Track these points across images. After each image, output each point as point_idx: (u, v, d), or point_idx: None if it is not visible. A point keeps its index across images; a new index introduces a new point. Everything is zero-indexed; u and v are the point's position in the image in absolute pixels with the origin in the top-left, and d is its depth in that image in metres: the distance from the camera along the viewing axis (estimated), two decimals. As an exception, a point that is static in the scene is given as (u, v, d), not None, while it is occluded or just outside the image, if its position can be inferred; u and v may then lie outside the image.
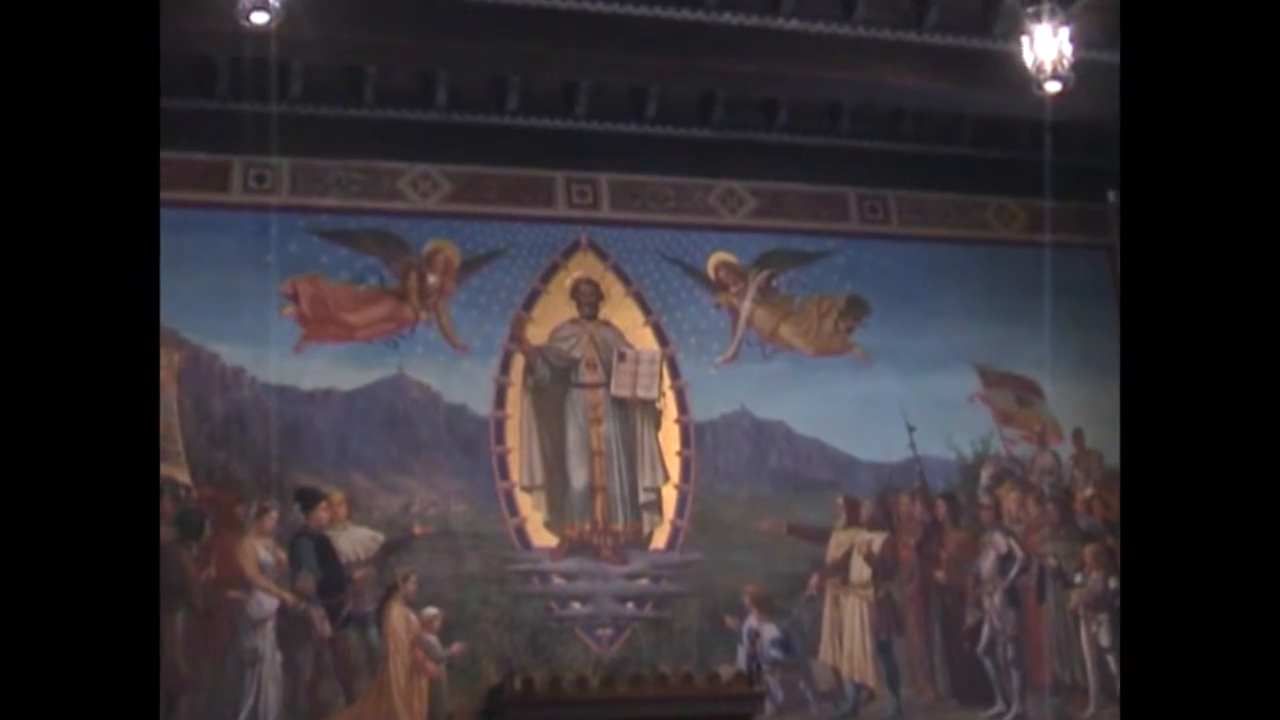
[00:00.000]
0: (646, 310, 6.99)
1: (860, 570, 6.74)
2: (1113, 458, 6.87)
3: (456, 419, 6.56)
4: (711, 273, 7.12)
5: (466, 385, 6.62)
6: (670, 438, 6.83)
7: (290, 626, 6.11)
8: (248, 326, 6.35)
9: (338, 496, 6.31)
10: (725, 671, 6.30)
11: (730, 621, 6.51)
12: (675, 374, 6.91)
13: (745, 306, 7.01)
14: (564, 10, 6.03)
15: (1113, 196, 6.39)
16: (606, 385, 6.75)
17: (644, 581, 6.46)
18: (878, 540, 6.79)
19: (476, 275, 6.85)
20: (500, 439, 6.59)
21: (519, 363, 6.77)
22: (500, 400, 6.66)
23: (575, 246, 6.98)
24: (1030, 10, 5.41)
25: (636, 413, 6.78)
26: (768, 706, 6.32)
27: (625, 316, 6.95)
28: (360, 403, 6.45)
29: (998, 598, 6.68)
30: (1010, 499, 6.90)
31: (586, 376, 6.78)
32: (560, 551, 6.47)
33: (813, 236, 7.20)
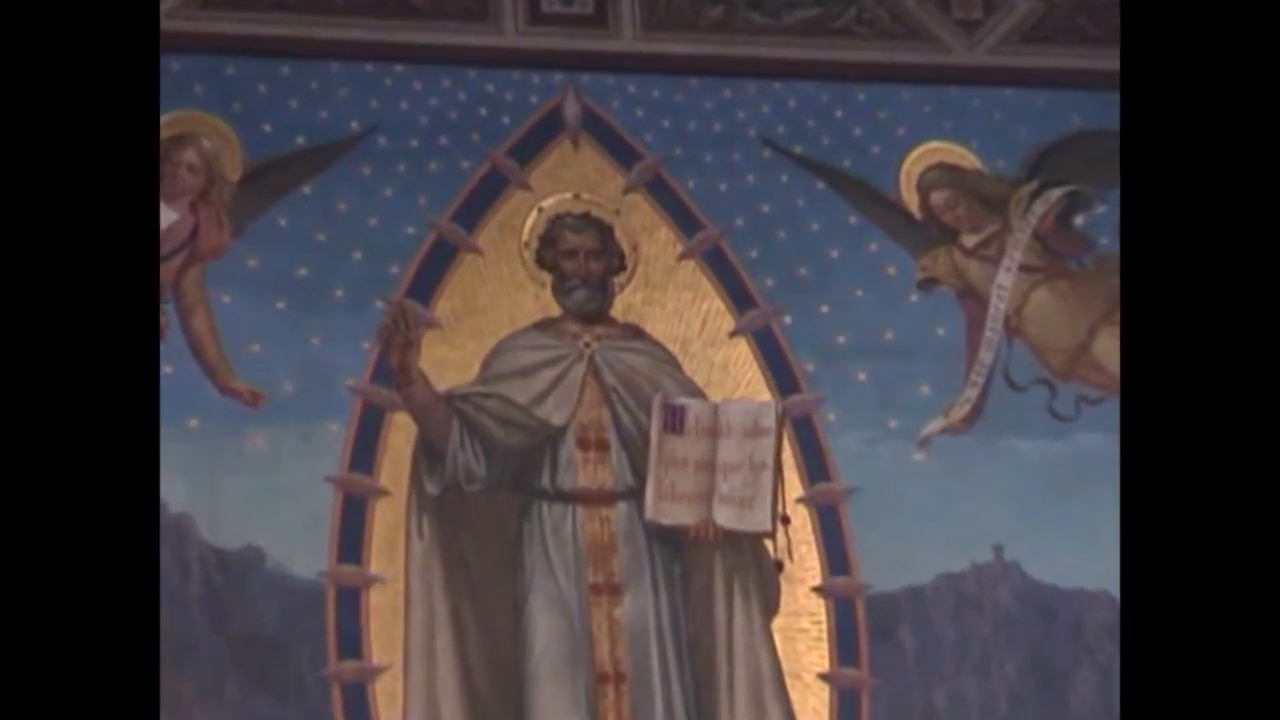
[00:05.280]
0: (739, 296, 5.74)
1: None
2: None
3: (237, 588, 5.25)
4: (910, 193, 5.92)
5: (266, 500, 5.33)
6: (805, 638, 5.45)
7: None
8: None
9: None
10: None
11: None
12: (818, 466, 5.61)
13: (1004, 279, 5.83)
14: None
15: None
16: (634, 495, 5.43)
17: None
18: None
19: (291, 203, 5.59)
20: (353, 644, 5.26)
21: (401, 434, 5.42)
22: (352, 540, 5.34)
23: (552, 128, 5.82)
24: None
25: (715, 567, 5.45)
26: None
27: (681, 312, 5.75)
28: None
29: None
30: None
31: (580, 474, 5.47)
32: None
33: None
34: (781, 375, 5.64)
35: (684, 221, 5.73)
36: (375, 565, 5.30)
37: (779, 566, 5.39)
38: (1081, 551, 5.58)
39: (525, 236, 5.61)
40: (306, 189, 5.55)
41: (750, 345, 5.66)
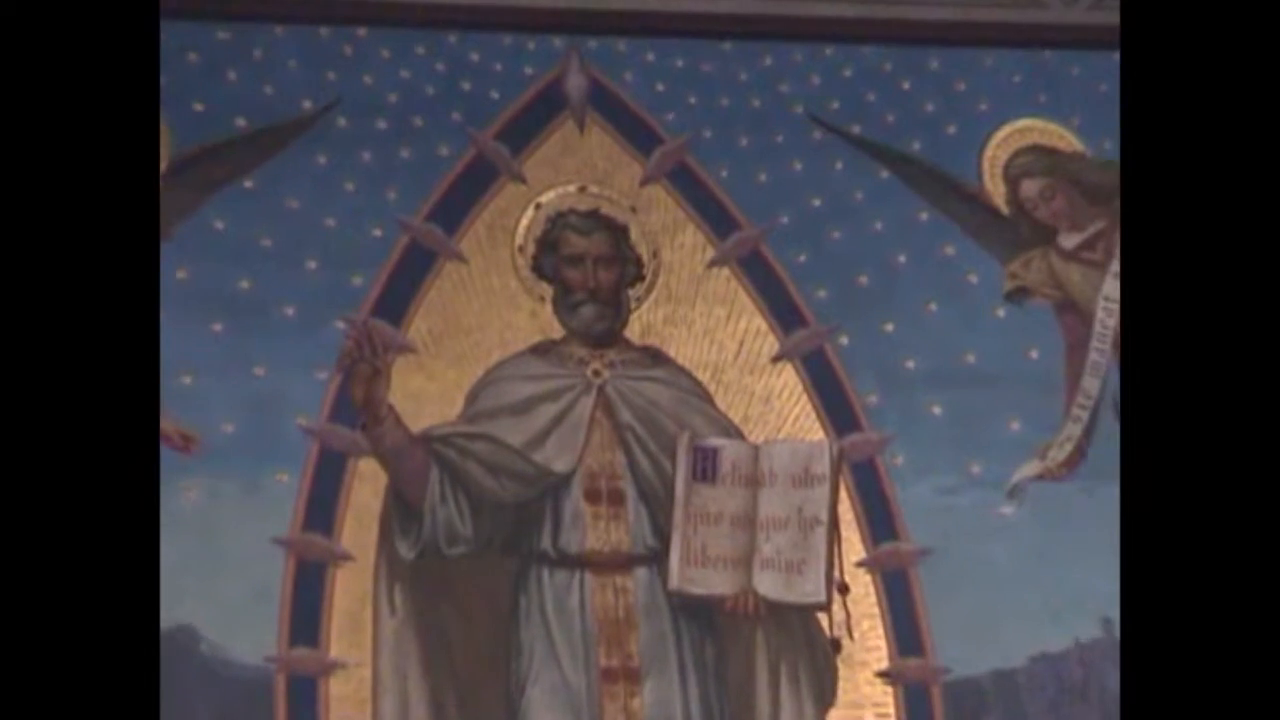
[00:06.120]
0: (784, 311, 5.45)
1: None
2: None
3: (166, 677, 4.48)
4: (995, 183, 5.63)
5: (201, 569, 5.01)
6: (869, 739, 5.60)
7: None
8: None
9: None
10: None
11: None
12: (883, 522, 5.30)
13: (1113, 289, 5.55)
14: None
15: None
16: (656, 559, 5.14)
17: None
18: None
19: (229, 200, 5.33)
20: (312, 746, 5.64)
21: (367, 486, 5.12)
22: (307, 617, 5.05)
23: (551, 105, 5.55)
24: None
25: (757, 647, 5.13)
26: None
27: (713, 332, 5.48)
28: None
29: None
30: None
31: (589, 533, 5.21)
32: None
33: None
34: (837, 409, 5.32)
35: (715, 220, 5.42)
36: (336, 648, 4.96)
37: (836, 646, 5.01)
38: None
39: (519, 240, 5.32)
40: (248, 183, 5.27)
41: (798, 372, 5.36)
